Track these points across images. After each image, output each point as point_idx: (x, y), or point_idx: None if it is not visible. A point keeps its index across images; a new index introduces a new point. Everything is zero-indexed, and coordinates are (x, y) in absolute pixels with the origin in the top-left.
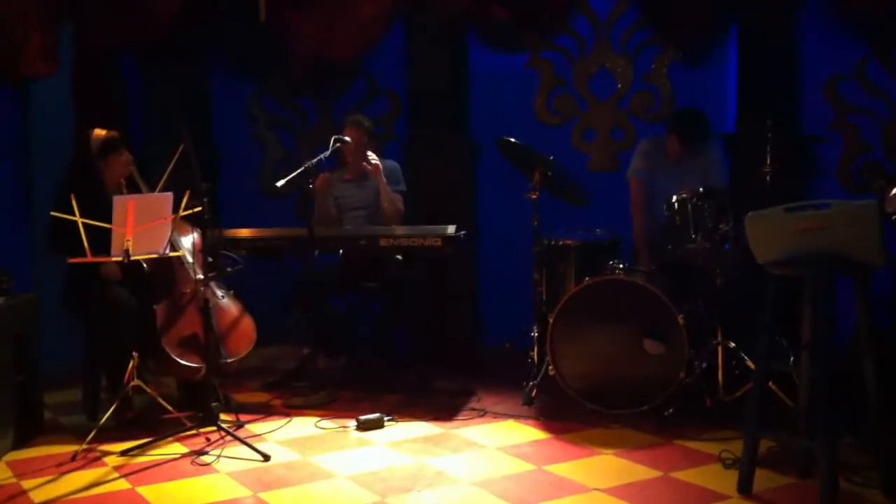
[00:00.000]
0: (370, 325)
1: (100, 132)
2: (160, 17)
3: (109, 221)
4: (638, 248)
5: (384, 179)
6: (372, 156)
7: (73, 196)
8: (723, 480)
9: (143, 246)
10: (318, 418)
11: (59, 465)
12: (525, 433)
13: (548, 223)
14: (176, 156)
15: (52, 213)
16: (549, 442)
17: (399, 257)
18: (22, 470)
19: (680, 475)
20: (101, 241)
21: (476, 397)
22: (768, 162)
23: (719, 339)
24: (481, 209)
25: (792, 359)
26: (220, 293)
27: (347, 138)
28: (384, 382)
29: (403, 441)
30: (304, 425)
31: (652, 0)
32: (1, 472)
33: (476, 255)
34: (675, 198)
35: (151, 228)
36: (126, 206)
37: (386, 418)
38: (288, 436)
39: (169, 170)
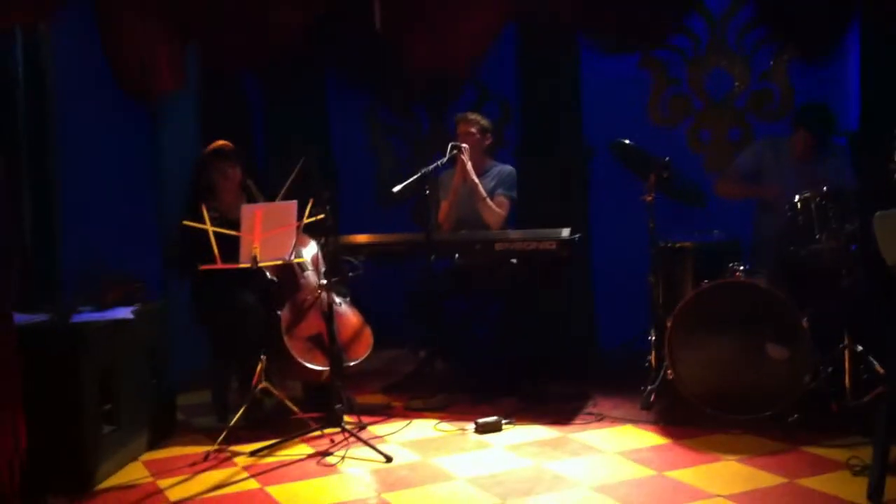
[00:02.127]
0: (486, 328)
1: (217, 143)
2: (281, 34)
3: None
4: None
5: (476, 180)
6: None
7: (203, 206)
8: (851, 488)
9: (269, 252)
10: (437, 420)
11: (192, 464)
12: (644, 438)
13: (663, 225)
14: (297, 168)
15: (184, 223)
16: (670, 447)
17: (514, 261)
18: (157, 469)
19: (806, 482)
20: (227, 249)
21: (592, 401)
22: (895, 160)
23: (846, 342)
24: (594, 212)
25: None
26: (338, 300)
27: (465, 145)
28: (500, 386)
29: (521, 444)
30: (423, 427)
31: None
32: (138, 472)
33: (590, 258)
34: (797, 197)
35: (277, 235)
36: (254, 215)
37: (504, 421)
38: (409, 437)
39: (289, 182)
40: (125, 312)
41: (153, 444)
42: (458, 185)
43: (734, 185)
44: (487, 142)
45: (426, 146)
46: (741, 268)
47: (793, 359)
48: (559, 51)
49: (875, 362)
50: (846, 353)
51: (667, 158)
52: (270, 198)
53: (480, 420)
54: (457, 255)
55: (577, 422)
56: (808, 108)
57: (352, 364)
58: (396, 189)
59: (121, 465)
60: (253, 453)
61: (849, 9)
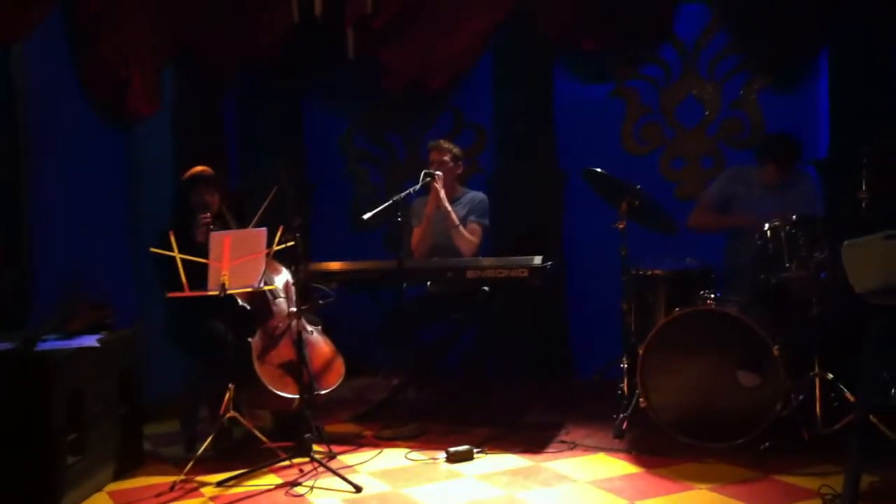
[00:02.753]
0: (458, 356)
1: (193, 169)
2: (257, 55)
3: (199, 256)
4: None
5: (449, 208)
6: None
7: (171, 233)
8: None
9: (238, 280)
10: (408, 450)
11: (158, 495)
12: (616, 467)
13: (636, 252)
14: (270, 195)
15: (151, 250)
16: (642, 476)
17: (486, 289)
18: (123, 500)
19: None
20: (198, 277)
21: (565, 430)
22: (864, 188)
23: (817, 370)
24: (569, 239)
25: (893, 390)
26: (310, 328)
27: (438, 172)
28: (472, 414)
29: (493, 473)
30: (394, 457)
31: (740, 26)
32: (103, 503)
33: (564, 285)
34: (767, 226)
35: (246, 262)
36: (223, 242)
37: (475, 450)
38: (379, 467)
39: (263, 208)
40: (90, 340)
41: (119, 475)
42: (430, 212)
43: (706, 218)
44: (459, 170)
45: (402, 173)
46: (713, 295)
47: (764, 386)
48: (534, 79)
49: (846, 390)
50: (817, 380)
51: (638, 186)
52: (245, 224)
53: (452, 449)
54: (429, 283)
55: (549, 450)
56: (774, 138)
57: (323, 393)
58: (367, 216)
59: (86, 496)
60: (220, 483)
61: (818, 38)
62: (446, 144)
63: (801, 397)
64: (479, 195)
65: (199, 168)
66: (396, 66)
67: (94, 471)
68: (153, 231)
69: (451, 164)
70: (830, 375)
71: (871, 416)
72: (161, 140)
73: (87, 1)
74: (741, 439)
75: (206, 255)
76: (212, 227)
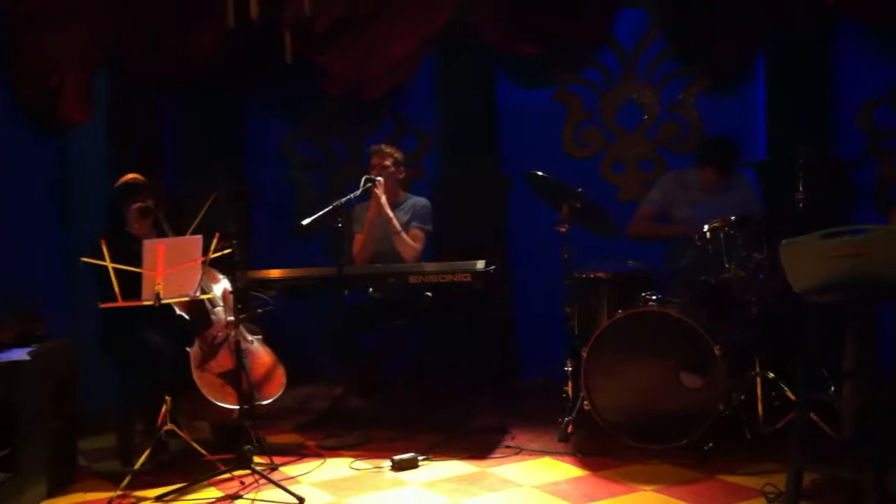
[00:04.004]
0: (402, 362)
1: (125, 177)
2: (194, 60)
3: (137, 266)
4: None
5: (391, 214)
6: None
7: (103, 241)
8: None
9: (173, 289)
10: (352, 459)
11: None
12: (562, 470)
13: (580, 256)
14: (208, 202)
15: (81, 259)
16: (587, 479)
17: (429, 294)
18: None
19: None
20: (134, 285)
21: (511, 434)
22: (801, 189)
23: (757, 369)
24: (512, 243)
25: (833, 388)
26: (250, 337)
27: (379, 178)
28: (418, 421)
29: (438, 481)
30: (338, 466)
31: (678, 30)
32: None
33: (509, 289)
34: (706, 227)
35: (182, 271)
36: (156, 250)
37: (420, 458)
38: (322, 478)
39: (201, 215)
40: (20, 353)
41: (53, 492)
42: (372, 218)
43: (645, 228)
44: (401, 175)
45: (344, 179)
46: (654, 297)
47: (706, 387)
48: (476, 84)
49: (786, 389)
50: (758, 380)
51: (579, 189)
52: (182, 230)
53: (396, 457)
54: (371, 289)
55: (494, 455)
56: (711, 142)
57: (264, 403)
58: (306, 222)
59: None
60: (159, 498)
61: (754, 42)
62: (388, 149)
63: (742, 397)
64: (422, 200)
65: (130, 176)
66: (337, 71)
67: (26, 488)
68: (87, 240)
69: (393, 168)
70: (771, 374)
71: (812, 415)
72: (95, 147)
73: (17, 5)
74: (685, 440)
75: (136, 265)
76: (143, 217)
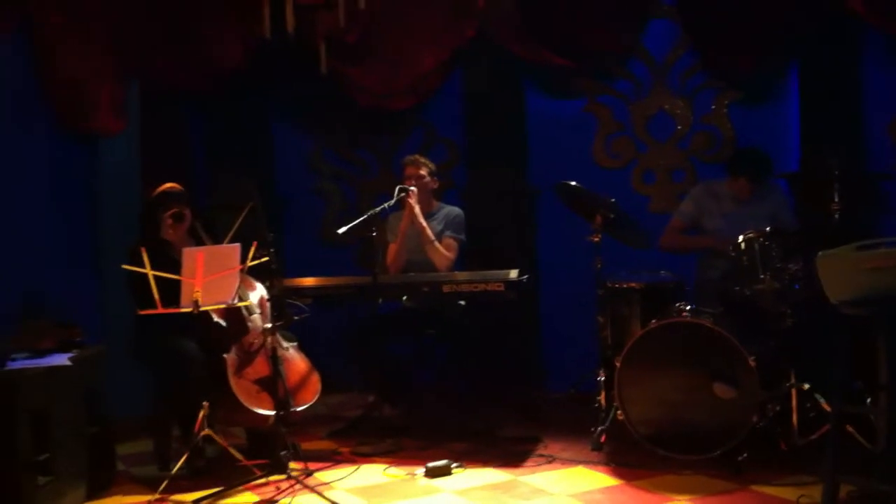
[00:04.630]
0: (432, 371)
1: (162, 186)
2: (223, 71)
3: (172, 273)
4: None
5: (424, 223)
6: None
7: (142, 249)
8: None
9: (212, 296)
10: (385, 466)
11: None
12: (596, 479)
13: (610, 266)
14: (244, 211)
15: (124, 267)
16: (621, 489)
17: (462, 303)
18: None
19: None
20: (172, 293)
21: (543, 443)
22: (836, 200)
23: (792, 381)
24: (541, 253)
25: (868, 400)
26: (286, 344)
27: (413, 188)
28: (448, 429)
29: (471, 489)
30: (371, 473)
31: (709, 43)
32: None
33: (538, 299)
34: (741, 238)
35: (220, 279)
36: (196, 258)
37: (453, 465)
38: (356, 484)
39: (237, 225)
40: (62, 359)
41: (91, 495)
42: (405, 228)
43: (677, 241)
44: (434, 185)
45: (374, 189)
46: (688, 307)
47: (740, 398)
48: (505, 94)
49: (821, 400)
50: (793, 391)
51: (612, 199)
52: (216, 239)
53: (430, 464)
54: (405, 298)
55: (527, 464)
56: (744, 153)
57: (299, 409)
58: (342, 230)
59: None
60: (195, 502)
61: (788, 52)
62: (422, 159)
63: (777, 408)
64: (455, 210)
65: (167, 185)
66: (367, 82)
67: (65, 492)
68: (119, 247)
69: (428, 178)
70: (806, 386)
71: (847, 427)
72: (127, 157)
73: (49, 16)
74: (718, 451)
75: (177, 268)
76: (177, 222)
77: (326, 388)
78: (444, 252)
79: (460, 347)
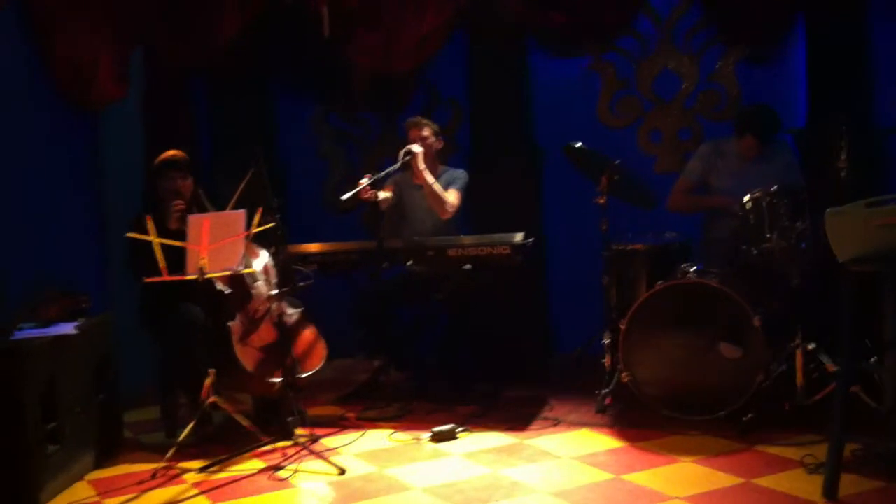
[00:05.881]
0: (438, 336)
1: (165, 154)
2: (225, 37)
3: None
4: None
5: (431, 180)
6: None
7: (148, 217)
8: (807, 486)
9: (217, 263)
10: (391, 431)
11: (140, 482)
12: (601, 442)
13: (616, 227)
14: (246, 177)
15: (128, 235)
16: (626, 450)
17: (468, 266)
18: (104, 488)
19: (762, 482)
20: (175, 260)
21: (548, 406)
22: (843, 157)
23: (798, 341)
24: (547, 215)
25: (874, 358)
26: (291, 311)
27: (417, 148)
28: (455, 394)
29: (477, 452)
30: (378, 438)
31: None
32: (84, 491)
33: (544, 261)
34: (748, 197)
35: (226, 246)
36: (201, 225)
37: (459, 429)
38: (363, 449)
39: (240, 190)
40: (68, 328)
41: (100, 463)
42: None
43: (685, 201)
44: (440, 145)
45: (378, 152)
46: (693, 268)
47: (745, 358)
48: (508, 53)
49: (826, 360)
50: (798, 351)
51: (618, 161)
52: (220, 207)
53: (435, 429)
54: (409, 262)
55: (533, 427)
56: (751, 110)
57: (305, 376)
58: (345, 197)
59: (66, 485)
60: (203, 469)
61: (795, 8)
62: (424, 120)
63: (782, 368)
64: (460, 170)
65: (170, 152)
66: (367, 45)
67: (74, 459)
68: (123, 217)
69: (432, 139)
70: (811, 346)
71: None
72: (130, 125)
73: None
74: (723, 411)
75: (180, 240)
76: (188, 213)
77: (333, 354)
78: (446, 196)
79: (467, 311)
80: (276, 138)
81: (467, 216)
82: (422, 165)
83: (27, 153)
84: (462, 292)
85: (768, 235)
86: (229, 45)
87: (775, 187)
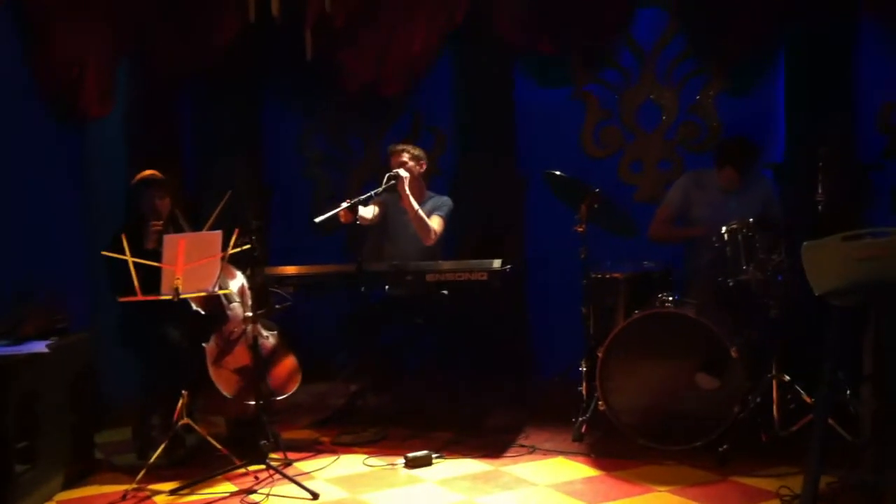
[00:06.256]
0: (418, 360)
1: (143, 173)
2: (212, 55)
3: (150, 260)
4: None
5: (416, 205)
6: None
7: (123, 235)
8: None
9: (192, 284)
10: (366, 455)
11: None
12: (576, 470)
13: (597, 254)
14: (224, 200)
15: (102, 253)
16: (602, 479)
17: (445, 292)
18: None
19: None
20: (153, 279)
21: (524, 433)
22: (821, 191)
23: (774, 372)
24: (529, 242)
25: (849, 391)
26: (266, 333)
27: (403, 173)
28: (432, 419)
29: (452, 479)
30: (352, 463)
31: (697, 29)
32: None
33: (525, 288)
34: (724, 229)
35: (201, 266)
36: (177, 244)
37: (434, 455)
38: (336, 474)
39: (217, 212)
40: (39, 346)
41: (70, 483)
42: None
43: (665, 230)
44: (422, 168)
45: (362, 175)
46: (671, 298)
47: (722, 388)
48: (494, 82)
49: (802, 392)
50: (774, 382)
51: (597, 189)
52: (198, 227)
53: (410, 454)
54: (387, 287)
55: (508, 454)
56: (731, 143)
57: (279, 399)
58: (319, 219)
59: None
60: (173, 492)
61: (774, 43)
62: (403, 146)
63: (758, 399)
64: (445, 197)
65: (148, 172)
66: (354, 68)
67: (44, 479)
68: (107, 232)
69: (413, 163)
70: (787, 377)
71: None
72: (115, 141)
73: None
74: (700, 441)
75: (158, 260)
76: (164, 232)
77: (309, 377)
78: (430, 224)
79: (448, 336)
80: (264, 158)
81: (449, 242)
82: (406, 191)
83: (10, 164)
84: (442, 317)
85: (745, 267)
86: (219, 63)
87: (752, 219)
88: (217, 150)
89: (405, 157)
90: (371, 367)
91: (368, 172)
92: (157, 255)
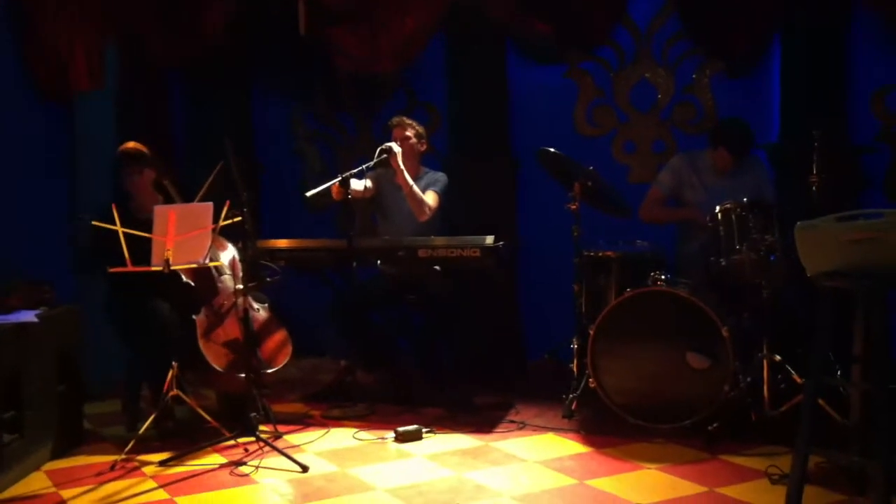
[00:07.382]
0: (410, 338)
1: (126, 145)
2: (205, 33)
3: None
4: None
5: (411, 181)
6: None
7: (113, 205)
8: (769, 497)
9: (183, 256)
10: (356, 430)
11: (98, 474)
12: (566, 447)
13: (589, 235)
14: (216, 170)
15: (93, 223)
16: (591, 456)
17: (437, 268)
18: (61, 479)
19: (725, 491)
20: (141, 253)
21: (515, 409)
22: (815, 173)
23: (765, 352)
24: (522, 221)
25: (839, 372)
26: (256, 305)
27: (396, 147)
28: (422, 395)
29: (442, 453)
30: (342, 437)
31: (693, 10)
32: (40, 482)
33: (517, 266)
34: (718, 209)
35: (192, 238)
36: (167, 216)
37: (424, 430)
38: (326, 447)
39: (209, 182)
40: (28, 315)
41: (58, 454)
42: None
43: (657, 210)
44: (422, 148)
45: (354, 152)
46: (663, 277)
47: (713, 368)
48: (487, 60)
49: (793, 372)
50: (765, 362)
51: (591, 168)
52: (189, 199)
53: (400, 429)
54: (379, 262)
55: (498, 430)
56: (726, 124)
57: (270, 372)
58: (310, 193)
59: (23, 475)
60: (162, 463)
61: (771, 24)
62: (408, 121)
63: (748, 379)
64: (440, 174)
65: (128, 145)
66: (348, 45)
67: (32, 450)
68: (95, 207)
69: (414, 140)
70: (778, 357)
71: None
72: (104, 118)
73: None
74: (689, 420)
75: (147, 230)
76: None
77: (300, 352)
78: (425, 199)
79: (440, 314)
80: (254, 135)
81: (442, 220)
82: (401, 165)
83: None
84: (435, 295)
85: (738, 247)
86: (208, 39)
87: (745, 200)
88: (207, 129)
89: (409, 132)
90: (361, 344)
91: (360, 149)
92: (147, 227)
